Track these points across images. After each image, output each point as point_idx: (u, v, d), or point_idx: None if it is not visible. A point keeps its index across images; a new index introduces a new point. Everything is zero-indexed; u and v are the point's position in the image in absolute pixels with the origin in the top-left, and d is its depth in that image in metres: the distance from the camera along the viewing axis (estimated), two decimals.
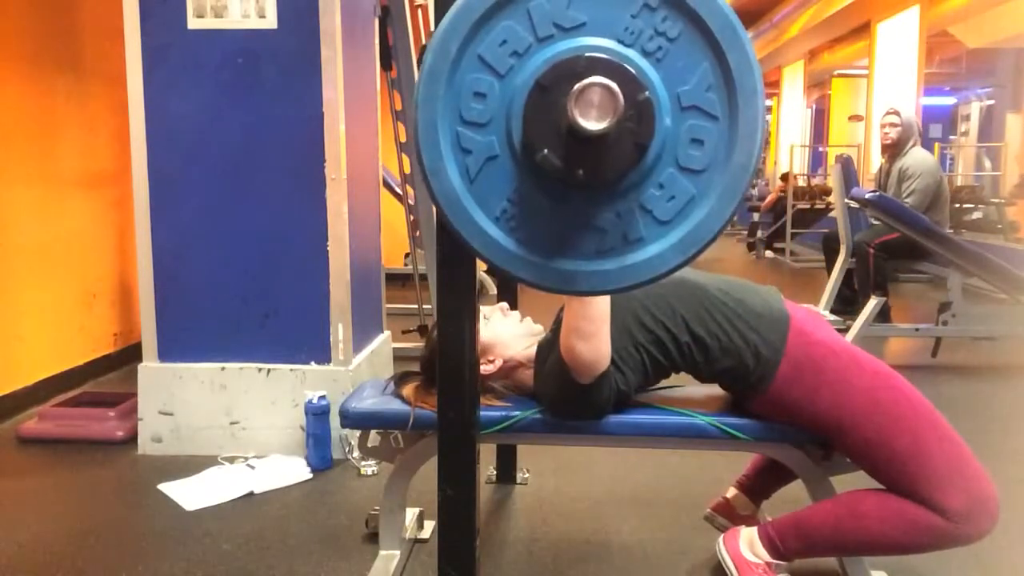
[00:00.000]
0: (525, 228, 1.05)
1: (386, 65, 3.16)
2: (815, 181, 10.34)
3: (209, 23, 2.46)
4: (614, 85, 0.91)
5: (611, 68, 0.95)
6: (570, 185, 1.00)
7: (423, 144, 1.03)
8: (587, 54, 0.96)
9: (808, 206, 8.71)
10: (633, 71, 0.96)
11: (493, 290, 5.05)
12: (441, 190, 1.04)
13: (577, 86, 0.92)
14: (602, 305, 1.49)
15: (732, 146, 1.00)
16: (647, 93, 0.96)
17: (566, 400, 1.61)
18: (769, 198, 9.52)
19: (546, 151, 0.97)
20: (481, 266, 1.25)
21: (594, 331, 1.49)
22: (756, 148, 1.00)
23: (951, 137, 12.57)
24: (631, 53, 0.99)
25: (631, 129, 0.96)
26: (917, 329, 3.99)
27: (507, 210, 1.04)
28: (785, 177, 9.01)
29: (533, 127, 0.98)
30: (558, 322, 1.61)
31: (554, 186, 1.02)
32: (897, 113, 4.61)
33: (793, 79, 12.01)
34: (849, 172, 4.81)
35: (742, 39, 0.99)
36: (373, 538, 1.93)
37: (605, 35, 0.99)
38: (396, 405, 1.77)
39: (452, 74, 1.01)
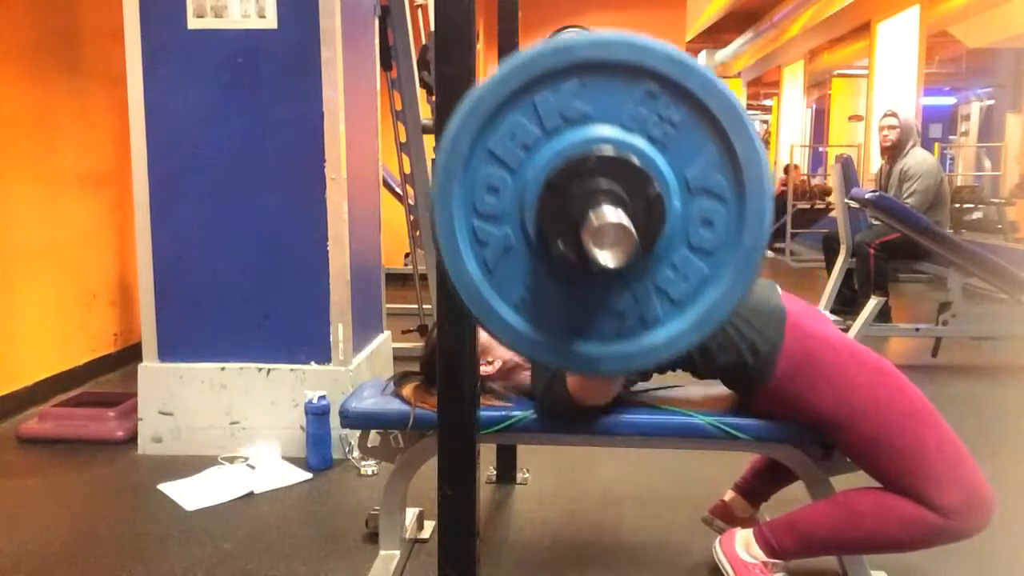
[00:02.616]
0: (545, 314, 1.06)
1: (386, 65, 3.16)
2: (815, 181, 10.34)
3: (209, 23, 2.46)
4: (629, 224, 0.91)
5: (620, 165, 0.96)
6: (586, 273, 1.01)
7: (441, 238, 1.05)
8: (596, 152, 0.97)
9: (808, 206, 8.71)
10: (641, 165, 0.97)
11: None
12: (461, 282, 1.06)
13: (594, 225, 0.92)
14: None
15: (742, 226, 1.02)
16: (657, 188, 0.97)
17: (563, 412, 1.64)
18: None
19: (561, 245, 0.98)
20: None
21: (603, 386, 1.53)
22: (766, 228, 1.02)
23: (951, 137, 12.56)
24: (637, 139, 1.00)
25: (642, 222, 0.97)
26: (917, 329, 3.99)
27: (526, 298, 1.06)
28: (787, 170, 9.01)
29: (547, 223, 0.99)
30: None
31: (571, 274, 1.03)
32: (895, 115, 4.61)
33: (793, 79, 12.01)
34: (849, 172, 4.81)
35: (745, 123, 1.00)
36: (373, 538, 1.93)
37: (610, 123, 1.01)
38: (396, 405, 1.77)
39: (465, 169, 1.03)
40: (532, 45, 1.03)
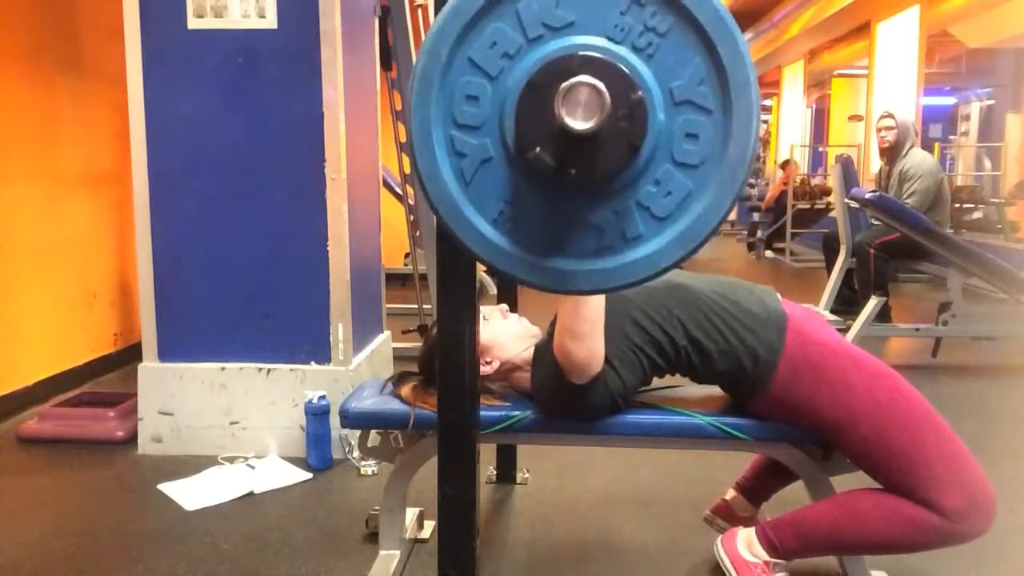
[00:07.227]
0: (523, 229, 1.04)
1: (386, 65, 3.16)
2: (815, 181, 10.34)
3: (209, 23, 2.46)
4: (600, 84, 0.91)
5: (603, 67, 0.95)
6: (564, 185, 1.00)
7: (418, 149, 1.03)
8: (580, 53, 0.96)
9: (808, 206, 8.72)
10: (625, 69, 0.96)
11: (493, 290, 5.05)
12: (437, 194, 1.04)
13: (564, 85, 0.91)
14: (595, 305, 1.49)
15: (727, 139, 1.00)
16: (640, 92, 0.95)
17: (561, 401, 1.61)
18: (771, 193, 9.52)
19: (538, 150, 0.96)
20: (481, 266, 1.26)
21: (587, 331, 1.49)
22: (752, 140, 1.00)
23: (951, 137, 12.56)
24: (622, 50, 0.99)
25: (624, 128, 0.95)
26: (917, 329, 3.99)
27: (504, 212, 1.04)
28: (785, 165, 9.00)
29: (525, 127, 0.97)
30: (554, 325, 1.61)
31: (550, 186, 1.02)
32: (891, 116, 4.61)
33: (793, 79, 12.01)
34: (849, 172, 4.81)
35: (732, 32, 0.98)
36: (373, 538, 1.94)
37: (595, 33, 0.99)
38: (396, 405, 1.77)
39: (444, 78, 1.01)
40: None
